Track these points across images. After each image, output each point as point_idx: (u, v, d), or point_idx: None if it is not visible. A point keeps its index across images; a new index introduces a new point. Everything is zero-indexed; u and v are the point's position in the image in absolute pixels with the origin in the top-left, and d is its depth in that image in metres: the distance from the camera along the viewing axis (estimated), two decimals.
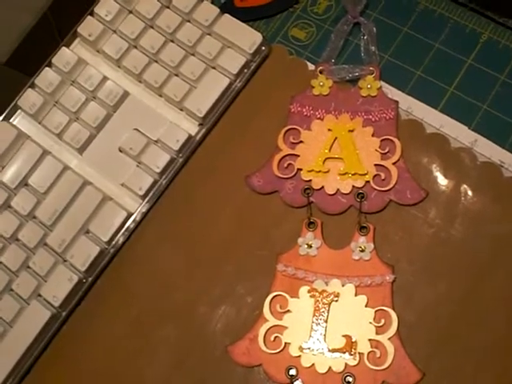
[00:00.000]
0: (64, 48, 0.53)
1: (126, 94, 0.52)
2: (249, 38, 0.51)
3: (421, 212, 0.48)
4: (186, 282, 0.49)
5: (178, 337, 0.48)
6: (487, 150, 0.48)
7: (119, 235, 0.50)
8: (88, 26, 0.53)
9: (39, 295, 0.48)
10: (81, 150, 0.51)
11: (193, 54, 0.52)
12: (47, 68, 0.52)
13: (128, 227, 0.50)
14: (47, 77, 0.52)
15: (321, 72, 0.51)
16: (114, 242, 0.49)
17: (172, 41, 0.52)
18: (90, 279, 0.49)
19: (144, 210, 0.50)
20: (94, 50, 0.53)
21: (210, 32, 0.52)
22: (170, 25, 0.52)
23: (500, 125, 0.49)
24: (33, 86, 0.52)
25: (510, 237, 0.46)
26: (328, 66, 0.51)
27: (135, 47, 0.52)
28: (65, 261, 0.49)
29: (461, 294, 0.45)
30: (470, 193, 0.47)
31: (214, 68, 0.51)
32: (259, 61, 0.52)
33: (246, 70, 0.51)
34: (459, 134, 0.49)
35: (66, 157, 0.52)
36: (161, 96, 0.52)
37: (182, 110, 0.51)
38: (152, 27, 0.52)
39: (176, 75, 0.51)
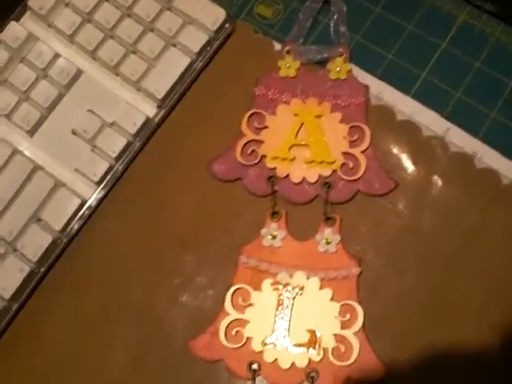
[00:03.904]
0: (13, 22, 0.49)
1: (79, 73, 0.49)
2: (211, 14, 0.48)
3: (389, 203, 0.46)
4: (144, 273, 0.47)
5: (136, 330, 0.46)
6: (460, 139, 0.47)
7: (73, 223, 0.47)
8: None
9: None
10: (31, 132, 0.48)
11: (151, 30, 0.49)
12: None
13: (82, 215, 0.47)
14: None
15: (288, 52, 0.49)
16: (67, 231, 0.47)
17: (129, 15, 0.49)
18: (43, 270, 0.47)
19: (99, 196, 0.47)
20: (46, 25, 0.50)
21: (169, 7, 0.49)
22: None
23: (474, 113, 0.47)
24: None
25: (479, 229, 0.45)
26: (295, 47, 0.49)
27: (89, 22, 0.49)
28: (15, 250, 0.46)
29: (429, 286, 0.45)
30: (440, 183, 0.46)
31: (173, 46, 0.48)
32: (222, 39, 0.49)
33: (208, 49, 0.49)
34: (431, 121, 0.47)
35: (15, 139, 0.48)
36: (117, 75, 0.49)
37: (139, 90, 0.49)
38: (107, 1, 0.49)
39: (133, 53, 0.48)
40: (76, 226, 0.47)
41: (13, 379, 0.46)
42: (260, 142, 0.47)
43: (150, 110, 0.48)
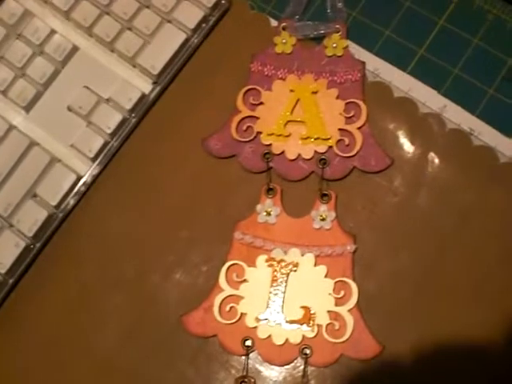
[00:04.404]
0: None
1: (75, 49, 0.48)
2: None
3: (385, 180, 0.46)
4: (138, 249, 0.47)
5: (130, 306, 0.46)
6: (457, 116, 0.46)
7: (68, 199, 0.47)
8: None
9: None
10: (27, 108, 0.48)
11: (147, 7, 0.48)
12: None
13: (78, 191, 0.47)
14: None
15: (284, 29, 0.48)
16: (62, 207, 0.47)
17: None
18: (38, 245, 0.47)
19: (95, 172, 0.47)
20: (42, 1, 0.49)
21: None
22: None
23: (471, 90, 0.47)
24: None
25: (476, 207, 0.45)
26: (292, 23, 0.48)
27: None
28: (11, 226, 0.46)
29: (424, 265, 0.44)
30: (436, 161, 0.46)
31: (169, 22, 0.48)
32: (218, 15, 0.49)
33: (203, 25, 0.48)
34: (428, 98, 0.47)
35: (11, 115, 0.48)
36: (112, 51, 0.49)
37: (135, 66, 0.48)
38: None
39: (129, 29, 0.48)
40: (71, 202, 0.47)
41: (7, 350, 0.46)
42: (255, 118, 0.47)
43: (145, 86, 0.48)
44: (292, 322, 0.44)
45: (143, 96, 0.48)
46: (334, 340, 0.43)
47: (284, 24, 0.48)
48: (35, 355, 0.46)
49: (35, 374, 0.46)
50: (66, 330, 0.46)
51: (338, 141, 0.46)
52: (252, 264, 0.45)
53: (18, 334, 0.47)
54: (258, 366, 0.44)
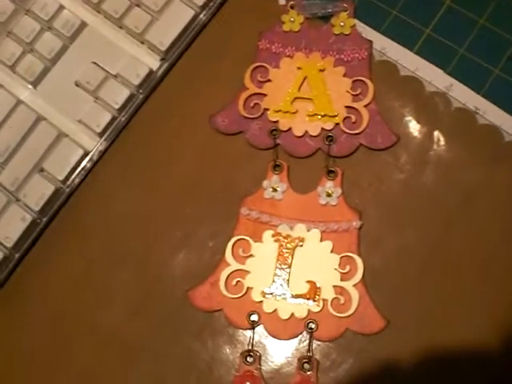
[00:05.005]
0: None
1: (83, 25, 0.48)
2: None
3: (391, 157, 0.46)
4: (145, 225, 0.47)
5: (136, 282, 0.46)
6: (462, 95, 0.46)
7: (75, 174, 0.47)
8: None
9: None
10: (35, 83, 0.48)
11: None
12: None
13: (84, 166, 0.47)
14: (0, 5, 0.48)
15: (292, 7, 0.48)
16: (69, 182, 0.47)
17: None
18: (45, 219, 0.47)
19: (101, 148, 0.48)
20: None
21: None
22: None
23: (477, 70, 0.47)
24: None
25: (481, 185, 0.45)
26: (300, 1, 0.48)
27: None
28: (18, 200, 0.47)
29: (429, 241, 0.45)
30: (442, 139, 0.46)
31: None
32: None
33: (211, 4, 0.48)
34: (434, 77, 0.47)
35: (19, 90, 0.48)
36: (121, 28, 0.49)
37: (143, 42, 0.48)
38: None
39: (137, 5, 0.48)
40: (78, 177, 0.47)
41: (12, 326, 0.47)
42: (263, 95, 0.47)
43: (153, 62, 0.48)
44: (298, 296, 0.44)
45: (151, 72, 0.48)
46: (339, 314, 0.43)
47: (292, 2, 0.48)
48: (41, 330, 0.46)
49: (41, 349, 0.46)
50: (72, 306, 0.46)
51: (345, 118, 0.46)
52: (258, 239, 0.45)
53: (24, 308, 0.47)
54: (263, 340, 0.44)
